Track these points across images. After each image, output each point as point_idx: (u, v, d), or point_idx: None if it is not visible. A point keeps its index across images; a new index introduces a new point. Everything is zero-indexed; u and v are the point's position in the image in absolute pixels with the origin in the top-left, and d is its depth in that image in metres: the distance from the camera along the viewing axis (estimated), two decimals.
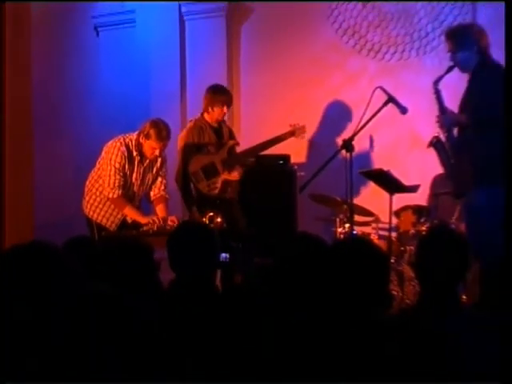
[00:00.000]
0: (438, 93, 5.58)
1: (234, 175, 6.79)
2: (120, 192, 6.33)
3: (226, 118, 6.97)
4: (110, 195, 6.34)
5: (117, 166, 6.32)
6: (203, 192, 6.73)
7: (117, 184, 6.32)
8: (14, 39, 6.42)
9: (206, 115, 6.84)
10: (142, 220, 6.27)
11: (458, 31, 5.69)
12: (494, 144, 5.25)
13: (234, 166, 6.80)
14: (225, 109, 6.79)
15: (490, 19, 6.96)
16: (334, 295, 2.80)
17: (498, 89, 5.28)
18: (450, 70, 5.62)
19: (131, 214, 6.36)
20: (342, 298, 2.78)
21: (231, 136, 6.99)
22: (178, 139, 6.85)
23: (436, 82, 5.59)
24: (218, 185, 6.73)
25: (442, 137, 5.55)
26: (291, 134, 6.88)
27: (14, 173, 6.30)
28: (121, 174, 6.32)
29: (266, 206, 7.11)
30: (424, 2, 7.44)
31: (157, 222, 6.19)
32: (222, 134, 6.88)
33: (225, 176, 6.75)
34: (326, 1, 7.81)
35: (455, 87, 5.71)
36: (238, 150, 6.99)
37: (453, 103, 5.59)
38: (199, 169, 6.73)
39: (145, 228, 6.19)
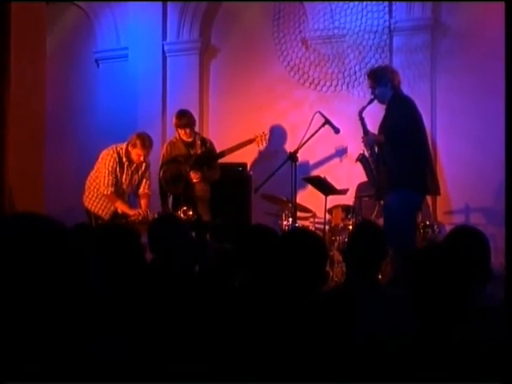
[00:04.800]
0: (362, 119, 5.63)
1: (195, 177, 6.53)
2: (112, 189, 6.32)
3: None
4: (105, 192, 6.32)
5: (110, 169, 6.31)
6: (168, 191, 6.56)
7: (110, 183, 6.31)
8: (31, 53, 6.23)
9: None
10: (130, 212, 6.26)
11: (376, 72, 5.72)
12: (404, 158, 5.33)
13: (198, 169, 6.55)
14: (187, 130, 6.54)
15: (401, 62, 7.04)
16: (284, 273, 2.80)
17: (405, 117, 5.37)
18: (370, 101, 5.67)
19: (121, 207, 6.32)
20: (290, 275, 2.78)
21: (205, 146, 6.70)
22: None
23: (361, 112, 5.64)
24: (181, 185, 6.49)
25: (366, 153, 5.60)
26: (251, 140, 6.82)
27: (28, 171, 6.19)
28: (113, 175, 6.32)
29: (228, 203, 7.11)
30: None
31: (141, 213, 6.21)
32: (194, 146, 6.62)
33: (188, 178, 6.52)
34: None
35: (375, 115, 5.75)
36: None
37: (373, 127, 5.65)
38: (168, 174, 6.52)
39: (132, 218, 6.18)
